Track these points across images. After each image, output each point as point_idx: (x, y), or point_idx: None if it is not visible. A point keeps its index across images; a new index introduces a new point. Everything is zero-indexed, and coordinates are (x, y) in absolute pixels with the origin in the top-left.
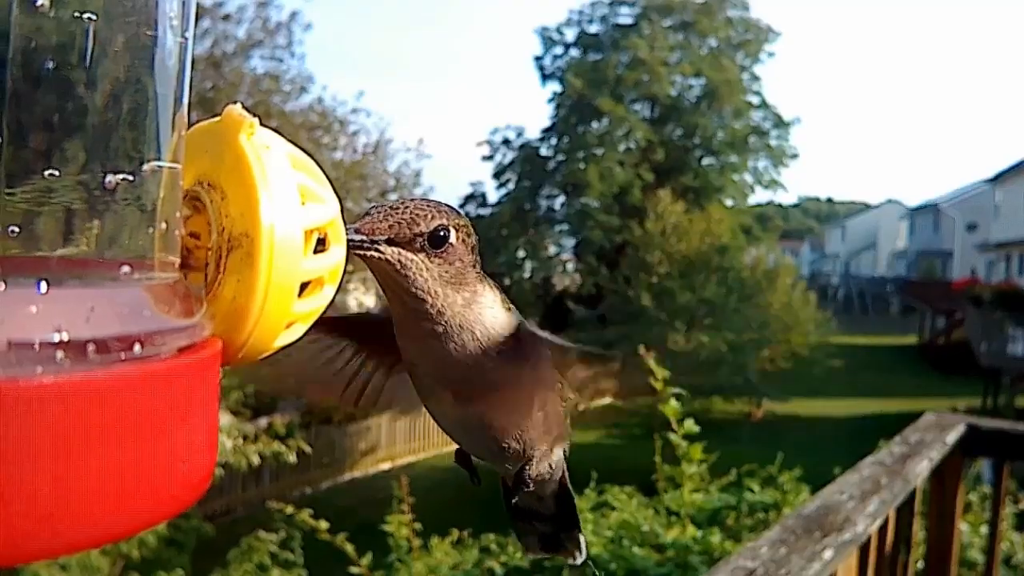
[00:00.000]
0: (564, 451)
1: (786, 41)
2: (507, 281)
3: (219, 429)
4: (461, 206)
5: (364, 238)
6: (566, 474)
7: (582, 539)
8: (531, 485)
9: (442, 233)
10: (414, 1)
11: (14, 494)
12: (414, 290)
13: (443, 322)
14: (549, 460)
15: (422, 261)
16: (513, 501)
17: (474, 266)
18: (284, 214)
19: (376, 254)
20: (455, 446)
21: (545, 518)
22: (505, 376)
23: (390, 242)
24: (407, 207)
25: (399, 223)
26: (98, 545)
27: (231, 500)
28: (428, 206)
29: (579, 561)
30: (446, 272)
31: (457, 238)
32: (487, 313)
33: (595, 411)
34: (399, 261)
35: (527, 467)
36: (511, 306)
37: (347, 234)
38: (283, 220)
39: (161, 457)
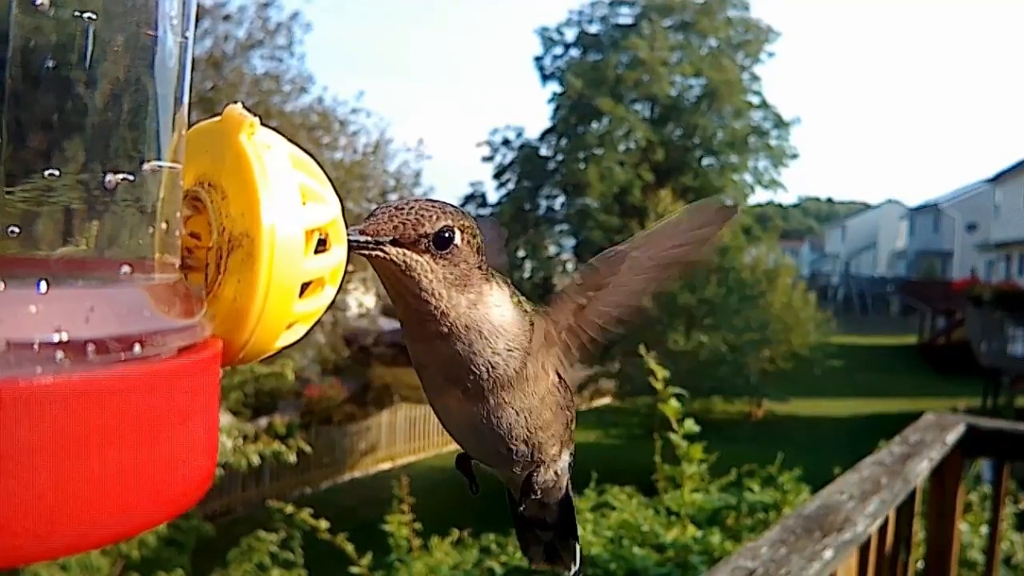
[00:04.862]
0: (570, 457)
1: (786, 41)
2: None
3: (219, 429)
4: (461, 206)
5: (369, 239)
6: (569, 481)
7: (578, 548)
8: (538, 493)
9: (447, 234)
10: (414, 1)
11: (14, 495)
12: (419, 291)
13: (448, 323)
14: (556, 467)
15: (427, 262)
16: (520, 510)
17: (479, 267)
18: (285, 214)
19: (381, 255)
20: (455, 446)
21: (548, 526)
22: (515, 374)
23: (395, 243)
24: (412, 207)
25: (404, 224)
26: (99, 546)
27: (231, 500)
28: (433, 206)
29: (571, 573)
30: (451, 274)
31: (462, 239)
32: (494, 312)
33: (595, 411)
34: (404, 262)
35: (535, 473)
36: (521, 299)
37: (352, 235)
38: (284, 220)
39: (162, 458)
